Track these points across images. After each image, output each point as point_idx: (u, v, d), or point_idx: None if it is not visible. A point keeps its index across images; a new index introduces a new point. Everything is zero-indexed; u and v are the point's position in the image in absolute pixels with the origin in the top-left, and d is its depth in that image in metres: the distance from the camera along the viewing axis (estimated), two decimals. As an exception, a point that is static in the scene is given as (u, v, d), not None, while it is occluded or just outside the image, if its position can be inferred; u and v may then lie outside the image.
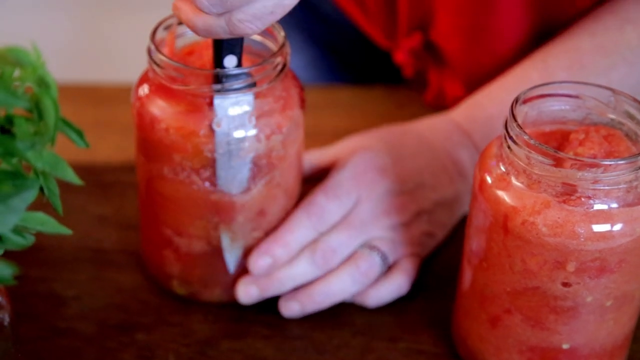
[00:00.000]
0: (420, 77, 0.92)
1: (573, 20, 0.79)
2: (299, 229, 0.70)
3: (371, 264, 0.71)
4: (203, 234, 0.70)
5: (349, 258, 0.71)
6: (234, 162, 0.66)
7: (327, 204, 0.71)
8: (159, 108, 0.67)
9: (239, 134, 0.65)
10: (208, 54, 0.68)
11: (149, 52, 0.67)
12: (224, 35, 0.61)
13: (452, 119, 0.79)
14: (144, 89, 0.68)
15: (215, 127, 0.65)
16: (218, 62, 0.65)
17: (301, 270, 0.70)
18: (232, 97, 0.65)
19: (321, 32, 1.02)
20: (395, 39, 0.92)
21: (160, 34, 0.68)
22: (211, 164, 0.66)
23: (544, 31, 0.81)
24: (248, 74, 0.65)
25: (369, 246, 0.71)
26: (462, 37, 0.84)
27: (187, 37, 0.69)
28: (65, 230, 0.52)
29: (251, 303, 0.71)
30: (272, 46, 0.68)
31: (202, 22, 0.60)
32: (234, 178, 0.67)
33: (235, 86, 0.65)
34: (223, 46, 0.64)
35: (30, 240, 0.51)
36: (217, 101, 0.65)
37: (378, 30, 0.94)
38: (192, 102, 0.66)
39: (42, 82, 0.47)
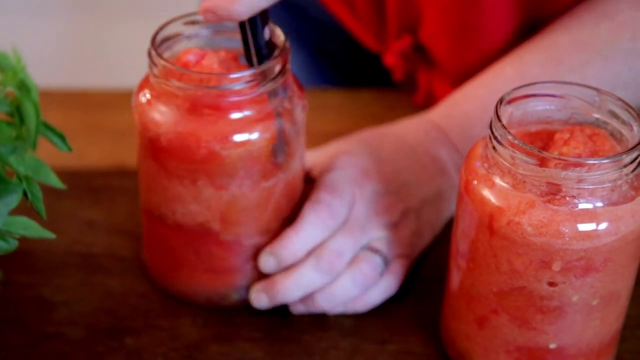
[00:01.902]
0: (410, 80, 0.92)
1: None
2: (308, 228, 0.70)
3: (373, 266, 0.71)
4: (282, 220, 0.71)
5: (351, 261, 0.71)
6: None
7: (332, 200, 0.70)
8: (229, 127, 0.66)
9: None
10: (205, 66, 0.68)
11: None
12: (267, 3, 0.63)
13: (428, 118, 0.79)
14: (178, 121, 0.66)
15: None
16: (256, 38, 0.65)
17: (308, 279, 0.69)
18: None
19: (311, 35, 1.02)
20: (385, 42, 0.92)
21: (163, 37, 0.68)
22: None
23: (532, 30, 0.81)
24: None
25: (370, 248, 0.71)
26: (449, 37, 0.84)
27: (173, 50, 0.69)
28: (49, 235, 0.53)
29: (264, 309, 0.71)
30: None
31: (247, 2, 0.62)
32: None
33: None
34: (258, 21, 0.65)
35: (13, 244, 0.51)
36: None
37: (368, 33, 0.95)
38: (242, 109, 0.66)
39: (23, 86, 0.47)
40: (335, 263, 0.70)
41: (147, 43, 0.67)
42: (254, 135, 0.66)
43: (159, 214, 0.70)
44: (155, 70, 0.66)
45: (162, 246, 0.72)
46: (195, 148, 0.65)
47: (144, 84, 0.68)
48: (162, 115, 0.66)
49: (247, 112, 0.66)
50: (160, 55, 0.66)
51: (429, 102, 0.91)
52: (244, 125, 0.65)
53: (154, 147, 0.67)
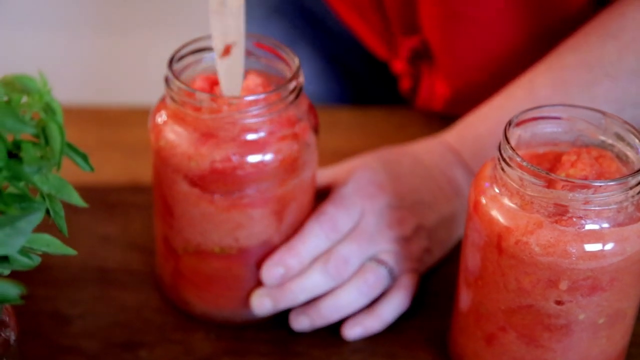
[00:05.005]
0: (416, 90, 0.94)
1: (565, 22, 0.81)
2: (312, 239, 0.71)
3: (378, 277, 0.72)
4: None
5: (357, 271, 0.72)
6: None
7: (337, 213, 0.72)
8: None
9: None
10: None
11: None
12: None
13: (444, 139, 0.81)
14: (229, 151, 0.67)
15: None
16: None
17: (314, 282, 0.71)
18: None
19: (326, 45, 1.04)
20: (394, 47, 0.94)
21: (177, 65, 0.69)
22: None
23: (536, 28, 0.82)
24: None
25: (376, 260, 0.73)
26: (440, 27, 0.85)
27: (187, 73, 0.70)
28: (70, 251, 0.54)
29: (266, 315, 0.72)
30: (286, 72, 0.70)
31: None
32: None
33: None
34: None
35: (36, 260, 0.53)
36: None
37: (377, 39, 0.96)
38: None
39: (49, 109, 0.49)
40: (341, 268, 0.71)
41: (162, 60, 0.68)
42: (268, 157, 0.67)
43: (220, 247, 0.71)
44: (173, 95, 0.67)
45: (216, 278, 0.72)
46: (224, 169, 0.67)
47: (161, 106, 0.70)
48: (192, 147, 0.67)
49: (261, 134, 0.67)
50: (177, 78, 0.67)
51: (429, 104, 0.92)
52: (259, 146, 0.67)
53: (200, 181, 0.68)
